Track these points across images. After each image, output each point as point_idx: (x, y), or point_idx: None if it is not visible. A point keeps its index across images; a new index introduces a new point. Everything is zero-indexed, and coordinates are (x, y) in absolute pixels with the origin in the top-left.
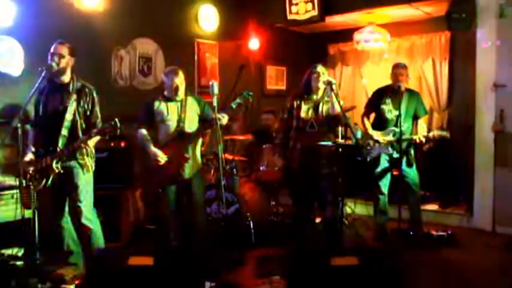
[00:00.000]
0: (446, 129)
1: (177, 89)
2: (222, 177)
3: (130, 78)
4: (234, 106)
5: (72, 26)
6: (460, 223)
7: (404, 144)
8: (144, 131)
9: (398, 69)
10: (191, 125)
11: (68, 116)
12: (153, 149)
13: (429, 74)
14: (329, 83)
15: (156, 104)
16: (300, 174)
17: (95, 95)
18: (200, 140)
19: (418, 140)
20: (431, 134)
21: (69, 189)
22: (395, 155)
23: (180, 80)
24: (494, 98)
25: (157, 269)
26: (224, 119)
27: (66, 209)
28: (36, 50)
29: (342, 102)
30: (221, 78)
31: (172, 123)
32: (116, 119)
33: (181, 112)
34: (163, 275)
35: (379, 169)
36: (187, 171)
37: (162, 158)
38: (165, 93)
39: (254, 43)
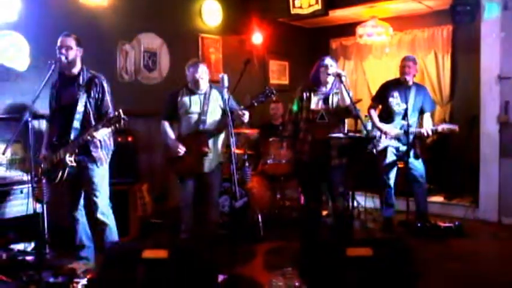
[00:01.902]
0: (454, 122)
1: (197, 82)
2: (235, 171)
3: (135, 73)
4: (256, 104)
5: (77, 20)
6: (465, 214)
7: (411, 137)
8: (166, 123)
9: (405, 62)
10: (214, 117)
11: (79, 108)
12: (173, 140)
13: (431, 68)
14: (338, 75)
15: (180, 96)
16: (310, 166)
17: (105, 84)
18: (223, 134)
19: (425, 133)
20: (440, 128)
21: (84, 183)
22: (402, 148)
23: (200, 74)
24: (499, 89)
25: (171, 262)
26: (246, 115)
27: (82, 202)
28: (41, 44)
29: (351, 94)
30: (225, 73)
31: (194, 116)
32: (121, 110)
33: (203, 105)
34: (176, 268)
35: (385, 162)
36: (207, 164)
37: (181, 149)
38: (189, 85)
39: (257, 38)
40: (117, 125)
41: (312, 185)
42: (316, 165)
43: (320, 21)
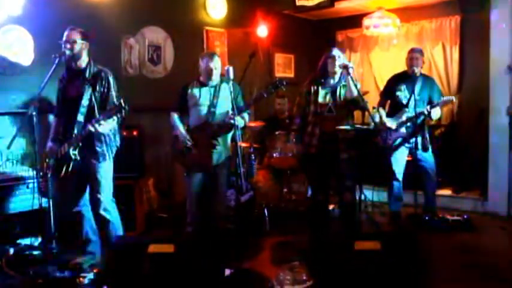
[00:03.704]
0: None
1: (211, 72)
2: (241, 165)
3: (139, 67)
4: (265, 95)
5: (81, 14)
6: (474, 208)
7: (418, 121)
8: (175, 115)
9: (413, 54)
10: (223, 110)
11: (84, 102)
12: (182, 132)
13: (439, 59)
14: (345, 67)
15: (190, 88)
16: (318, 159)
17: (111, 79)
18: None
19: (426, 112)
20: (436, 103)
21: (87, 179)
22: (411, 140)
23: (214, 64)
24: (508, 80)
25: (177, 256)
26: (241, 121)
27: (87, 197)
28: (46, 39)
29: (358, 86)
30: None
31: (203, 108)
32: (122, 100)
33: (213, 97)
34: (183, 262)
35: (395, 155)
36: (215, 157)
37: (189, 141)
38: (201, 78)
39: (262, 30)
40: (118, 115)
41: (320, 178)
42: (324, 158)
43: (326, 13)
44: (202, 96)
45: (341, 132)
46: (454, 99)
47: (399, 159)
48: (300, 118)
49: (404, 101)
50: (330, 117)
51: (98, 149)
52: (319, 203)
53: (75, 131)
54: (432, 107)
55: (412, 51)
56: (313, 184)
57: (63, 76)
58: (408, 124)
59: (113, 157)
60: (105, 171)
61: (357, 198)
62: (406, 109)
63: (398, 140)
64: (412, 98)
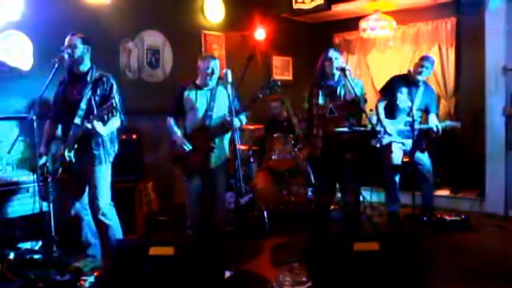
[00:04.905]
0: (456, 119)
1: (212, 73)
2: (240, 167)
3: (138, 71)
4: (260, 96)
5: (80, 19)
6: (471, 208)
7: (416, 133)
8: (171, 119)
9: (424, 62)
10: (220, 113)
11: (83, 105)
12: (179, 136)
13: (435, 61)
14: (342, 69)
15: (186, 91)
16: (322, 160)
17: (114, 84)
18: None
19: (435, 129)
20: (444, 125)
21: (85, 182)
22: (407, 143)
23: (216, 65)
24: (504, 82)
25: (177, 258)
26: (237, 123)
27: (85, 200)
28: (44, 43)
29: (359, 85)
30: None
31: (200, 111)
32: (113, 100)
33: (210, 100)
34: (183, 265)
35: (390, 156)
36: (213, 160)
37: (187, 146)
38: (197, 81)
39: (260, 34)
40: (110, 115)
41: (324, 179)
42: (328, 159)
43: (323, 16)
44: (199, 99)
45: (344, 133)
46: (459, 126)
47: (395, 160)
48: (306, 122)
49: (401, 104)
50: (332, 118)
51: (95, 152)
52: (322, 203)
53: (71, 133)
54: (441, 127)
55: (425, 59)
56: (320, 186)
57: (64, 78)
58: (405, 132)
59: (111, 162)
60: (103, 175)
61: (358, 199)
62: (408, 118)
63: (394, 143)
64: (411, 104)
